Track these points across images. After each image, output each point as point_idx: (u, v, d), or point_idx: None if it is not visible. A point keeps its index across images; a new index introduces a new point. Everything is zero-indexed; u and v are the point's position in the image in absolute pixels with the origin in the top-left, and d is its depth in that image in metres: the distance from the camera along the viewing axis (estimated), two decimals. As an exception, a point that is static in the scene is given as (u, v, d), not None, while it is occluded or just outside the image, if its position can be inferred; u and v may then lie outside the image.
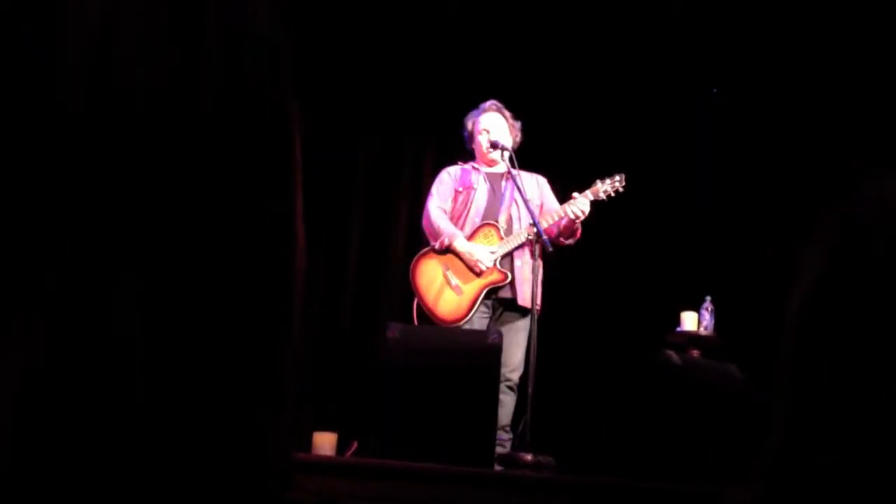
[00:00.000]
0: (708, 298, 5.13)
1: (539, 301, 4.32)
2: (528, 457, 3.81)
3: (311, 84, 5.44)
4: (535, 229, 4.30)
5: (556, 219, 4.49)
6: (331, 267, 5.69)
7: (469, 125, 4.76)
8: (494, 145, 4.58)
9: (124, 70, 0.41)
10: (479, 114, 4.73)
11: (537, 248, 4.32)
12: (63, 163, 0.40)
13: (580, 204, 4.44)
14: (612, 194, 4.59)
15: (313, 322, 5.51)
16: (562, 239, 4.50)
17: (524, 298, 4.44)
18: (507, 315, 4.51)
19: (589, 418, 5.40)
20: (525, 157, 4.69)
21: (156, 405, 0.41)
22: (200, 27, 0.43)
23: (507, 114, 4.74)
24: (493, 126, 4.67)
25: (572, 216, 4.43)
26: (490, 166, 4.69)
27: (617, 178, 4.60)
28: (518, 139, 4.73)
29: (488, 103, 4.74)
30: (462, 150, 4.88)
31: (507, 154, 4.53)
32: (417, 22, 5.64)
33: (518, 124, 4.75)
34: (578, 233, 4.56)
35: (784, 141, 5.60)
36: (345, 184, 5.81)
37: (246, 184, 0.44)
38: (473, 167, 4.72)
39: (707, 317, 5.09)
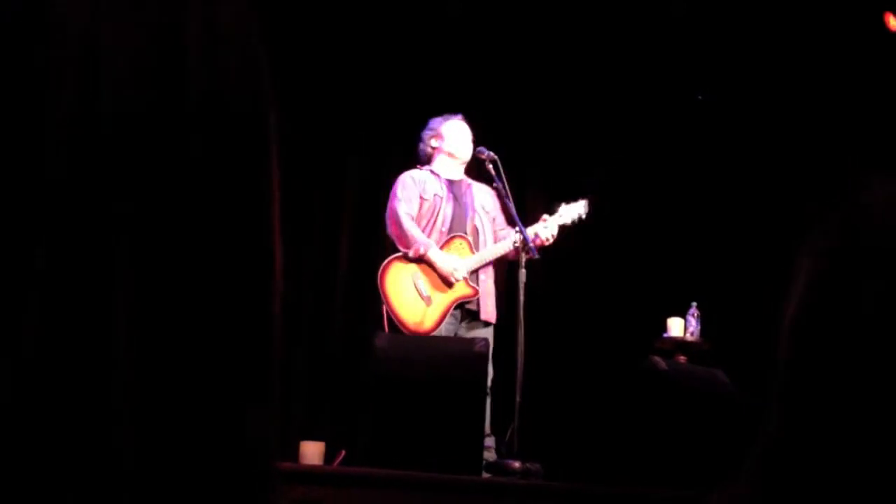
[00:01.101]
0: (694, 304, 5.15)
1: (521, 312, 4.29)
2: (516, 464, 3.81)
3: (298, 93, 5.44)
4: (520, 236, 4.31)
5: (515, 243, 4.42)
6: (319, 276, 5.67)
7: (439, 127, 4.67)
8: (481, 153, 4.56)
9: (110, 75, 0.41)
10: (450, 118, 4.68)
11: (522, 257, 4.32)
12: (52, 164, 0.40)
13: (550, 229, 4.47)
14: (576, 220, 4.59)
15: (301, 331, 5.49)
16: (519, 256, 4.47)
17: (487, 313, 4.45)
18: (472, 324, 4.50)
19: (577, 425, 5.40)
20: (513, 166, 4.68)
21: (141, 410, 0.41)
22: (182, 36, 0.43)
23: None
24: (466, 134, 4.65)
25: (544, 240, 4.43)
26: (451, 162, 4.63)
27: (581, 202, 4.61)
28: None
29: (457, 115, 4.71)
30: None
31: (490, 164, 4.51)
32: (408, 31, 5.64)
33: None
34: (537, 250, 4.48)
35: (771, 144, 5.62)
36: (334, 193, 5.79)
37: (225, 190, 0.44)
38: (433, 173, 4.64)
39: (693, 322, 5.11)
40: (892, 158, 4.64)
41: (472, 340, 4.07)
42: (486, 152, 4.54)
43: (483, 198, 4.61)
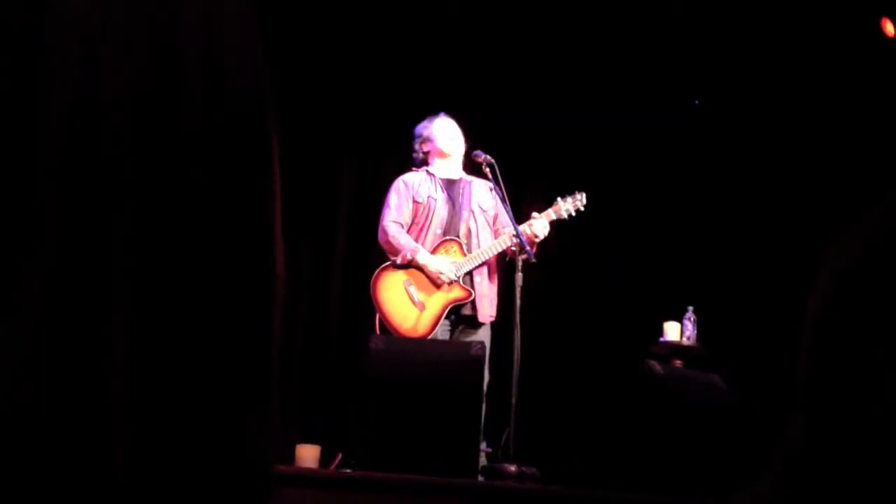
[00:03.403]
0: (690, 309, 5.15)
1: (517, 315, 4.28)
2: (512, 468, 3.81)
3: (293, 99, 5.44)
4: (516, 239, 4.30)
5: (510, 242, 4.41)
6: (315, 279, 5.67)
7: (425, 131, 4.67)
8: (478, 156, 4.55)
9: (108, 78, 0.41)
10: (434, 119, 4.67)
11: (519, 260, 4.32)
12: (49, 169, 0.39)
13: (537, 226, 4.39)
14: (573, 213, 4.54)
15: (298, 334, 5.49)
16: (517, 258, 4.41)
17: (484, 315, 4.43)
18: (467, 330, 4.48)
19: (573, 429, 5.40)
20: (509, 168, 4.67)
21: (138, 414, 0.40)
22: (180, 39, 0.43)
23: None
24: (456, 133, 4.63)
25: (531, 235, 4.34)
26: (446, 162, 4.61)
27: (578, 196, 4.56)
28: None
29: (439, 113, 4.68)
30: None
31: (487, 167, 4.48)
32: (404, 36, 5.65)
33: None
34: (533, 252, 4.42)
35: (768, 149, 5.63)
36: (329, 196, 5.79)
37: (227, 192, 0.44)
38: (429, 173, 4.64)
39: (690, 327, 5.11)
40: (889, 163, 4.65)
41: (469, 344, 4.07)
42: (483, 155, 4.52)
43: (481, 195, 4.57)
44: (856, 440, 0.57)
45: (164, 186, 0.41)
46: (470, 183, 4.58)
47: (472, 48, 5.64)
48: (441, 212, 4.52)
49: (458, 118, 4.72)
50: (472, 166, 4.64)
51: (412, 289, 4.41)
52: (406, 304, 4.40)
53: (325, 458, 4.20)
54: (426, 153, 4.68)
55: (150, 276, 0.41)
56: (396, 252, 4.46)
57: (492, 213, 4.56)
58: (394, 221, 4.51)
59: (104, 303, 0.40)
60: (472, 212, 4.55)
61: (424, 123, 4.70)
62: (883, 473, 0.55)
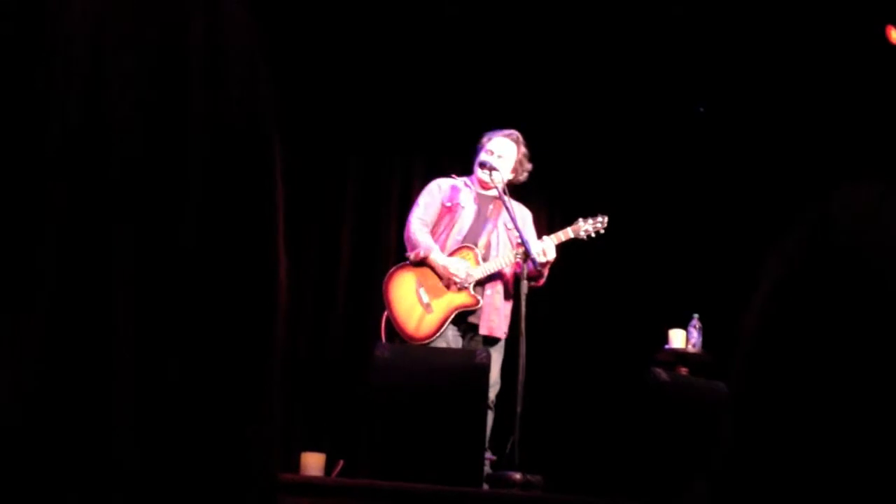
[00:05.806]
0: (695, 316, 5.15)
1: (522, 323, 4.27)
2: (517, 476, 3.80)
3: (299, 106, 5.45)
4: (522, 249, 4.31)
5: (518, 258, 4.39)
6: (320, 287, 5.67)
7: (483, 140, 4.62)
8: (483, 164, 4.54)
9: (114, 92, 0.41)
10: (496, 134, 4.61)
11: (525, 270, 4.32)
12: (56, 178, 0.40)
13: (537, 247, 4.36)
14: (593, 235, 4.57)
15: (302, 342, 5.49)
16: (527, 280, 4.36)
17: (490, 328, 4.43)
18: (476, 339, 4.49)
19: (577, 437, 5.39)
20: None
21: (142, 422, 0.40)
22: (186, 50, 0.43)
23: (524, 150, 4.60)
24: (501, 151, 4.55)
25: (536, 254, 4.30)
26: (484, 188, 4.62)
27: (600, 219, 4.59)
28: (522, 178, 4.61)
29: (511, 130, 4.61)
30: (451, 166, 4.84)
31: (496, 178, 4.46)
32: (408, 43, 5.66)
33: (529, 165, 4.61)
34: (542, 279, 4.45)
35: (773, 153, 5.62)
36: (334, 204, 5.79)
37: (228, 197, 0.44)
38: (466, 184, 4.66)
39: (695, 334, 5.10)
40: (890, 169, 4.63)
41: (473, 351, 4.07)
42: (488, 163, 4.52)
43: (509, 216, 4.52)
44: (776, 457, 0.56)
45: (168, 190, 0.41)
46: (507, 200, 4.53)
47: (477, 52, 5.64)
48: (466, 220, 4.55)
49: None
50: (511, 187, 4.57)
51: (422, 290, 4.45)
52: (414, 305, 4.44)
53: (329, 467, 4.20)
54: (479, 160, 4.60)
55: (152, 284, 0.41)
56: (414, 247, 4.50)
57: (516, 234, 4.48)
58: (419, 218, 4.56)
59: (108, 308, 0.40)
60: (497, 227, 4.56)
61: (490, 133, 4.62)
62: (806, 478, 0.55)
